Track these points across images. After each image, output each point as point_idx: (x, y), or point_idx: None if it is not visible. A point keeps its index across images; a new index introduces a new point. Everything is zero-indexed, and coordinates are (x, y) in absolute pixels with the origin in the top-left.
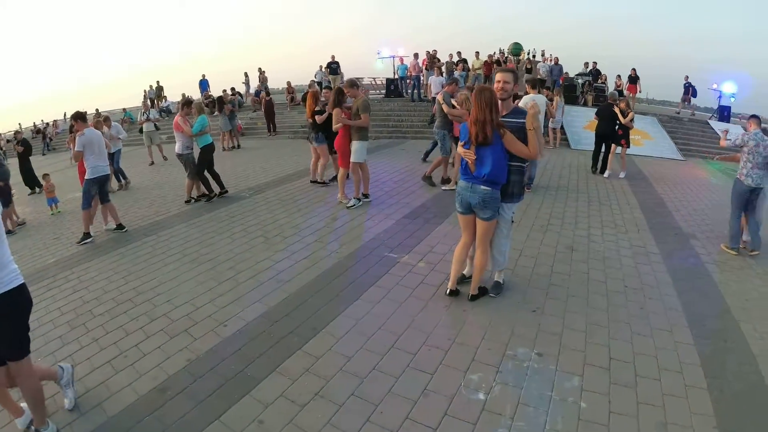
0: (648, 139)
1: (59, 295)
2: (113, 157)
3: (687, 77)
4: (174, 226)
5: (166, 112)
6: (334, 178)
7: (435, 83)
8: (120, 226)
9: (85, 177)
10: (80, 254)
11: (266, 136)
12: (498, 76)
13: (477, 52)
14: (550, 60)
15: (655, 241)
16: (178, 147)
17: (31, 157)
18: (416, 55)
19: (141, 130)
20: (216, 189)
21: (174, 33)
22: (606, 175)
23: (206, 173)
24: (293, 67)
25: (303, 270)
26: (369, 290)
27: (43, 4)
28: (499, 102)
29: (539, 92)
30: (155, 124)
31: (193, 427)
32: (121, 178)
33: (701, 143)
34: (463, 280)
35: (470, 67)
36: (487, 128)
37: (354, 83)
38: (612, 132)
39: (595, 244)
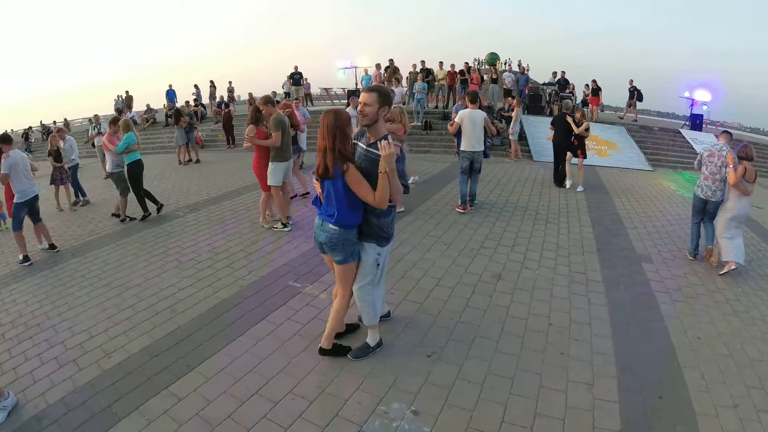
0: (615, 149)
1: None
2: (71, 172)
3: (632, 81)
4: (101, 247)
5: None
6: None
7: (397, 94)
8: (52, 246)
9: (14, 200)
10: (13, 274)
11: (225, 149)
12: (360, 97)
13: (440, 62)
14: (522, 70)
15: (600, 265)
16: (108, 165)
17: None
18: (378, 66)
19: (93, 144)
20: (150, 208)
21: (176, 33)
22: (567, 185)
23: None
24: (266, 77)
25: (202, 299)
26: (257, 325)
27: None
28: (353, 129)
29: (480, 107)
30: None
31: None
32: (79, 195)
33: (672, 153)
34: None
35: (435, 77)
36: (328, 159)
37: (269, 100)
38: (568, 142)
39: (528, 271)
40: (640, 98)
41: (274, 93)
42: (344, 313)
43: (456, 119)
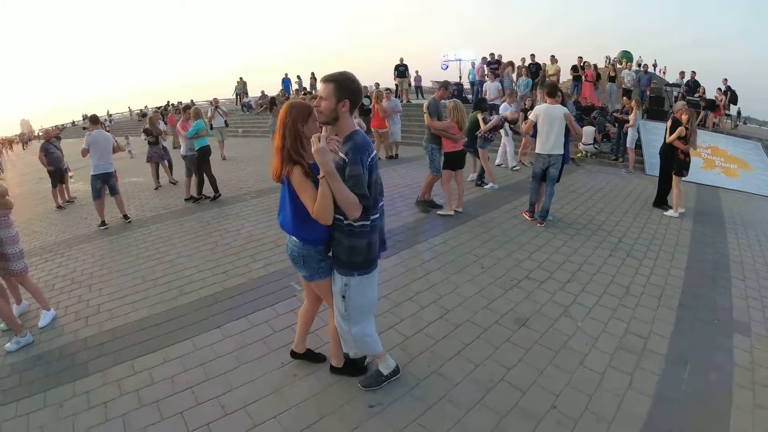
0: (746, 170)
1: (46, 266)
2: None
3: (726, 80)
4: (165, 221)
5: (247, 107)
6: None
7: (491, 89)
8: (125, 216)
9: (91, 173)
10: (89, 235)
11: None
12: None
13: (552, 56)
14: (645, 68)
15: (673, 329)
16: (182, 149)
17: None
18: (484, 59)
19: (211, 126)
20: (209, 193)
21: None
22: (667, 212)
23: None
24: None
25: (209, 284)
26: (235, 322)
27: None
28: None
29: (563, 102)
30: (225, 121)
31: None
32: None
33: None
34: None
35: (545, 72)
36: (276, 159)
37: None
38: (670, 153)
39: (568, 321)
40: (733, 100)
41: (377, 84)
42: (336, 331)
43: (530, 116)
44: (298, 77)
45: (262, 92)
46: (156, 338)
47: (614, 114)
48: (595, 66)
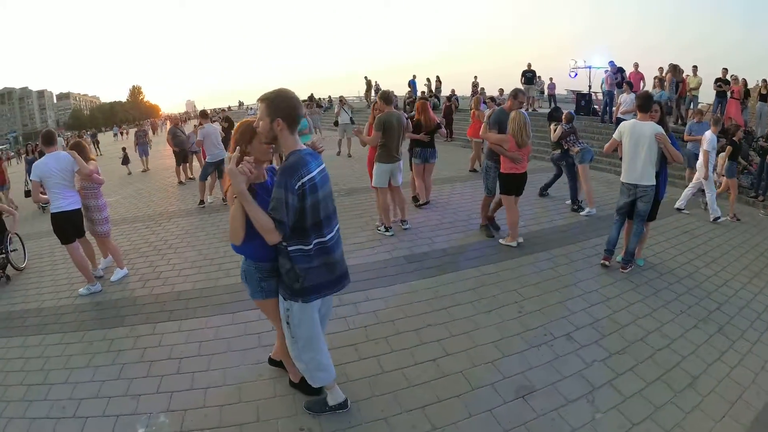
0: None
1: (144, 233)
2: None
3: None
4: (193, 215)
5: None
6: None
7: (625, 102)
8: (201, 202)
9: (206, 160)
10: (187, 210)
11: (442, 141)
12: None
13: (695, 67)
14: None
15: None
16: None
17: None
18: (613, 66)
19: (336, 123)
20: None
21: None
22: None
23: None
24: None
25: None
26: (249, 312)
27: None
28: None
29: (662, 120)
30: (351, 118)
31: None
32: None
33: None
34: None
35: (686, 86)
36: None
37: (384, 96)
38: None
39: (583, 407)
40: None
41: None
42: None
43: (614, 135)
44: (428, 80)
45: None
46: (183, 310)
47: (761, 141)
48: (744, 81)
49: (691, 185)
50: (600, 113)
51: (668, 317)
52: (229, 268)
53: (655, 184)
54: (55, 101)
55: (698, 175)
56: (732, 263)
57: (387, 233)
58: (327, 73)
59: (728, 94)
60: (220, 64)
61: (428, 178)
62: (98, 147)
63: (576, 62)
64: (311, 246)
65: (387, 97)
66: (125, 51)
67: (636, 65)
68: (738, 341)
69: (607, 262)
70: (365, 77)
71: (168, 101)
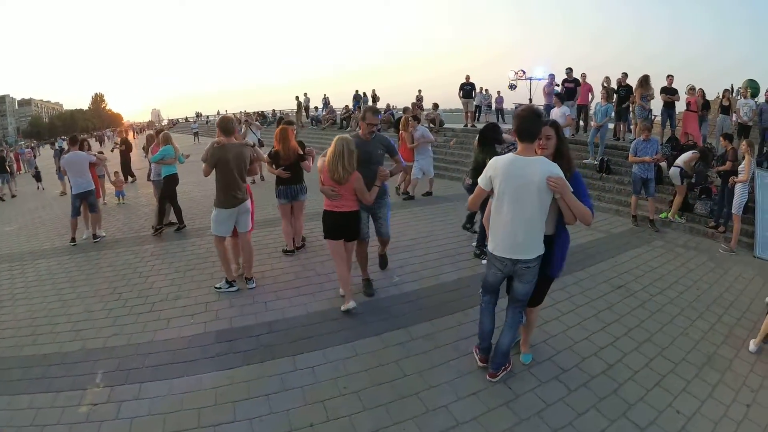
0: None
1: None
2: None
3: None
4: (125, 247)
5: (317, 121)
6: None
7: (555, 115)
8: (72, 240)
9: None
10: (51, 251)
11: None
12: None
13: (645, 76)
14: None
15: None
16: (151, 173)
17: None
18: (552, 77)
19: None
20: (166, 221)
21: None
22: (751, 347)
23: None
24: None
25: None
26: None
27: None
28: None
29: (561, 152)
30: (260, 140)
31: None
32: None
33: None
34: None
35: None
36: None
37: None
38: None
39: None
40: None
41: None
42: None
43: (480, 178)
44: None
45: (330, 106)
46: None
47: (715, 164)
48: (702, 92)
49: None
50: None
51: None
52: (40, 333)
53: (540, 255)
54: (16, 107)
55: None
56: (678, 337)
57: (231, 289)
58: (269, 83)
59: (685, 105)
60: (188, 71)
61: (298, 218)
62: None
63: (516, 73)
64: None
65: (225, 127)
66: (91, 57)
67: (584, 76)
68: None
69: (479, 358)
70: (296, 97)
71: (133, 109)
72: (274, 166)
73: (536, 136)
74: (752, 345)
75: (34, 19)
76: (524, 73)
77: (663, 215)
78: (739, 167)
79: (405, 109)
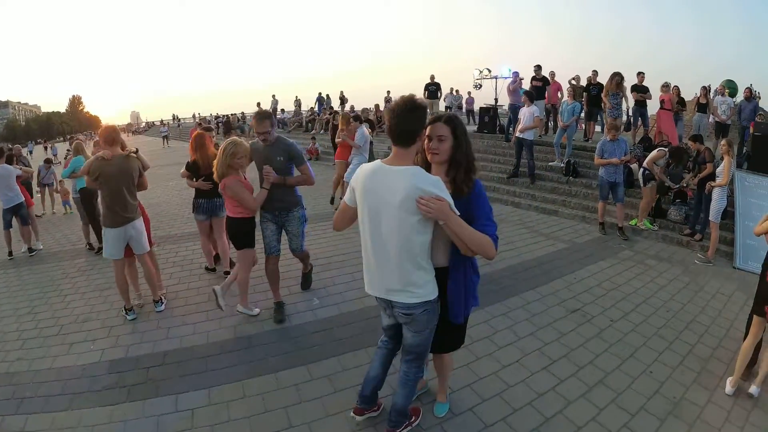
0: None
1: None
2: None
3: None
4: (56, 262)
5: (283, 124)
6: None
7: (524, 117)
8: (9, 254)
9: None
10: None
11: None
12: None
13: (617, 76)
14: (748, 94)
15: None
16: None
17: None
18: (516, 74)
19: None
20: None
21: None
22: (752, 390)
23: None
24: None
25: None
26: None
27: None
28: None
29: (457, 159)
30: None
31: None
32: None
33: None
34: None
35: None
36: None
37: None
38: None
39: None
40: None
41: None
42: None
43: (346, 194)
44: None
45: (297, 109)
46: None
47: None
48: (677, 89)
49: None
50: (506, 131)
51: None
52: None
53: (427, 300)
54: None
55: None
56: (632, 372)
57: (128, 317)
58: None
59: (659, 103)
60: (170, 73)
61: (221, 237)
62: None
63: (481, 72)
64: None
65: (107, 137)
66: (71, 59)
67: (552, 74)
68: None
69: (356, 415)
70: (258, 104)
71: (112, 112)
72: (194, 179)
73: (414, 137)
74: (728, 386)
75: (13, 21)
76: (489, 71)
77: (633, 222)
78: (717, 169)
79: (363, 110)
